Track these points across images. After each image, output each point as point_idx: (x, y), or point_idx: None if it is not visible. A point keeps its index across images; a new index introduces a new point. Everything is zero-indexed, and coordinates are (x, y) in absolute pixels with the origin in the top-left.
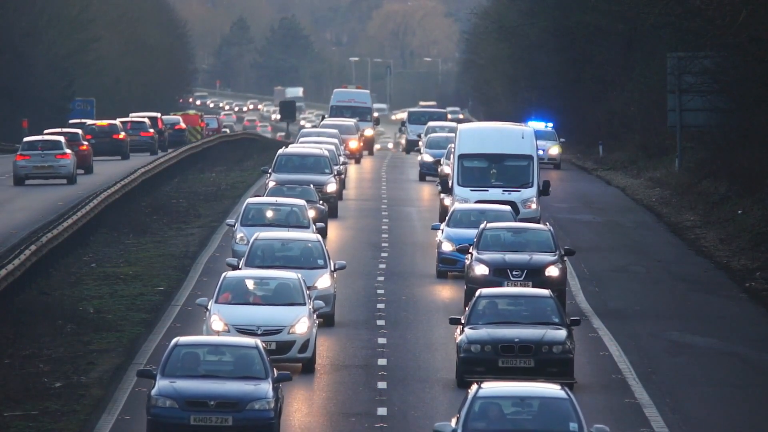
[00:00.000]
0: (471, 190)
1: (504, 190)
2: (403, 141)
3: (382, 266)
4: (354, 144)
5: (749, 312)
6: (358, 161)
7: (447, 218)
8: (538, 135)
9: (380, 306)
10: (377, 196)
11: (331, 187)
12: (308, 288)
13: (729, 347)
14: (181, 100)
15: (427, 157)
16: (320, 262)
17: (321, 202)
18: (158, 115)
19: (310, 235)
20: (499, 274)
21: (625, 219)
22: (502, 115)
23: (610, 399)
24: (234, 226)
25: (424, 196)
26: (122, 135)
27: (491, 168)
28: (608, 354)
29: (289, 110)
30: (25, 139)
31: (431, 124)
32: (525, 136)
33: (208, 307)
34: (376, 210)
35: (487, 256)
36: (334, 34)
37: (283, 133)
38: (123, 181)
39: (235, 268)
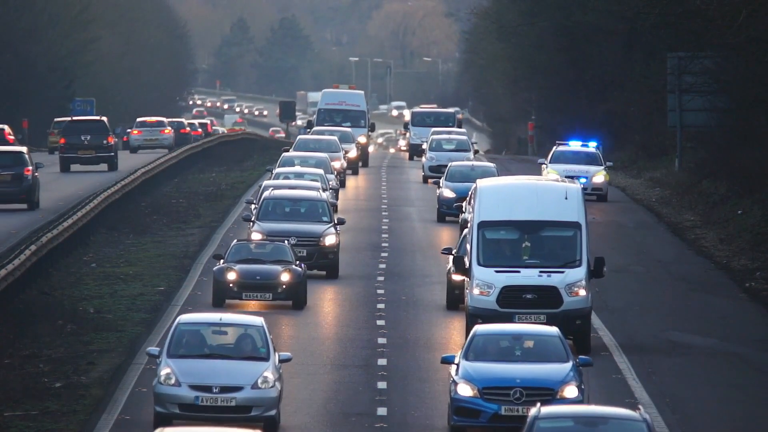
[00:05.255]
0: (496, 272)
1: (541, 272)
2: (404, 143)
3: (382, 266)
4: (338, 164)
5: (749, 312)
6: (342, 184)
7: (465, 345)
8: (578, 157)
9: (380, 306)
10: (377, 196)
11: (330, 240)
12: None
13: (729, 347)
14: (179, 98)
15: (448, 193)
16: None
17: (297, 262)
18: (207, 121)
19: None
20: None
21: (625, 219)
22: (503, 114)
23: (610, 399)
24: (158, 357)
25: (425, 194)
26: (187, 129)
27: (524, 240)
28: (608, 354)
29: (288, 110)
30: (138, 119)
31: (435, 136)
32: (570, 195)
33: None
34: (376, 210)
35: None
36: (334, 34)
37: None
38: (123, 181)
39: None
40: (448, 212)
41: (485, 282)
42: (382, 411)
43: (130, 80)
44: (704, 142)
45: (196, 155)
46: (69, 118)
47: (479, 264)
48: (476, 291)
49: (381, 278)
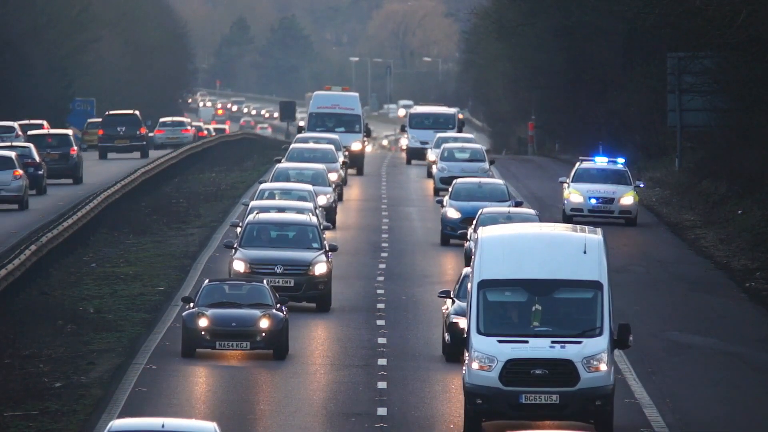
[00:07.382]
0: (499, 342)
1: (554, 341)
2: (403, 147)
3: (382, 266)
4: (334, 176)
5: (749, 312)
6: (340, 198)
7: None
8: (604, 176)
9: (380, 306)
10: (377, 196)
11: (321, 268)
12: None
13: (729, 347)
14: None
15: (453, 213)
16: None
17: (278, 305)
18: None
19: None
20: None
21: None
22: (503, 114)
23: None
24: None
25: (428, 202)
26: (204, 132)
27: (533, 303)
28: None
29: (288, 111)
30: (161, 119)
31: (446, 144)
32: (589, 248)
33: None
34: (376, 210)
35: None
36: (334, 34)
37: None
38: (123, 181)
39: None
40: (453, 234)
41: (486, 354)
42: (382, 411)
43: (130, 80)
44: (704, 142)
45: (196, 155)
46: (100, 118)
47: (479, 332)
48: (475, 365)
49: (381, 278)
